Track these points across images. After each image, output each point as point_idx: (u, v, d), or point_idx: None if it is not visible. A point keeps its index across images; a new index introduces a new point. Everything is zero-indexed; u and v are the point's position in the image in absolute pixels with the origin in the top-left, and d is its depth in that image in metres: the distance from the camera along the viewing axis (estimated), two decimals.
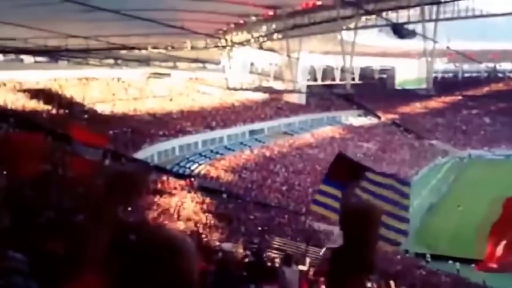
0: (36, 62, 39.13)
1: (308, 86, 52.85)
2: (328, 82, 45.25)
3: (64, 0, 11.86)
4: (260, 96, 56.37)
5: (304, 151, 51.96)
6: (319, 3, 24.12)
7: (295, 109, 58.91)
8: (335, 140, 57.67)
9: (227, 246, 19.17)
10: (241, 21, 25.74)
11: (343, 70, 34.76)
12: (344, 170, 5.51)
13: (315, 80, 43.02)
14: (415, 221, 33.98)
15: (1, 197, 3.02)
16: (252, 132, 51.86)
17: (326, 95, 60.20)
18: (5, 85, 36.34)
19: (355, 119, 66.92)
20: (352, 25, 26.88)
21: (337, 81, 42.13)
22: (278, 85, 35.21)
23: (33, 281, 2.13)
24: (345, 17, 24.48)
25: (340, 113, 65.53)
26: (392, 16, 25.00)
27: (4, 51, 29.25)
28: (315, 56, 38.67)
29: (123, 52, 31.53)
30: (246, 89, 36.15)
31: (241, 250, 20.68)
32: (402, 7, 23.21)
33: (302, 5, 23.16)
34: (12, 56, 34.87)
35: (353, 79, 35.75)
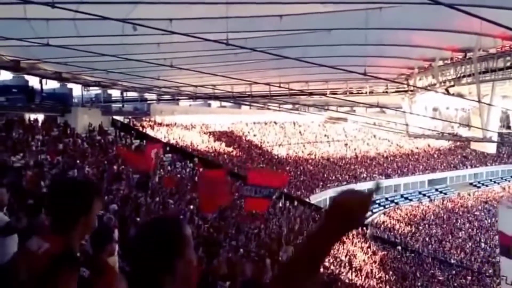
0: (221, 106, 42.48)
1: (500, 134, 48.23)
2: None
3: (251, 50, 12.36)
4: (443, 143, 53.18)
5: (493, 206, 47.37)
6: None
7: (484, 158, 54.85)
8: None
9: None
10: (426, 65, 24.48)
11: None
12: None
13: (509, 127, 38.69)
14: None
15: None
16: (432, 182, 49.21)
17: None
18: (194, 127, 40.14)
19: None
20: None
21: None
22: (464, 133, 32.28)
23: None
24: None
25: None
26: None
27: (196, 96, 32.33)
28: (509, 102, 34.85)
29: (302, 97, 32.41)
30: (428, 136, 33.95)
31: None
32: None
33: (499, 47, 20.92)
34: (201, 101, 38.46)
35: None
